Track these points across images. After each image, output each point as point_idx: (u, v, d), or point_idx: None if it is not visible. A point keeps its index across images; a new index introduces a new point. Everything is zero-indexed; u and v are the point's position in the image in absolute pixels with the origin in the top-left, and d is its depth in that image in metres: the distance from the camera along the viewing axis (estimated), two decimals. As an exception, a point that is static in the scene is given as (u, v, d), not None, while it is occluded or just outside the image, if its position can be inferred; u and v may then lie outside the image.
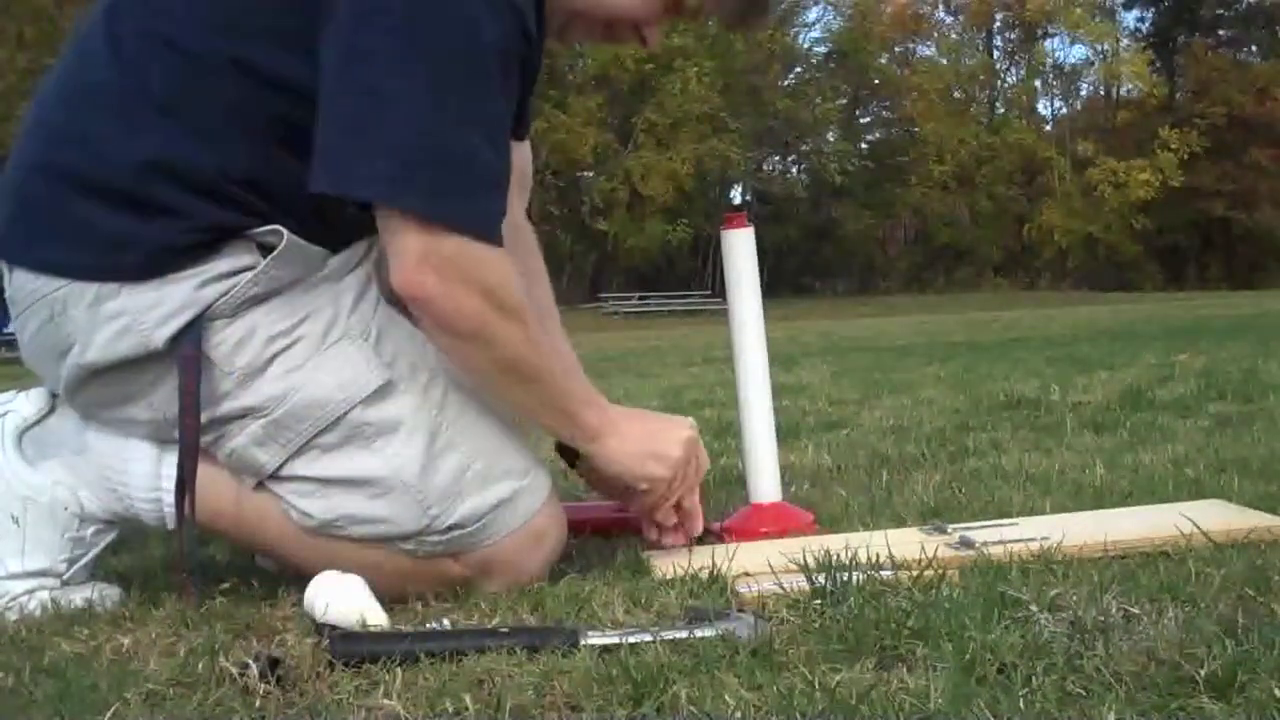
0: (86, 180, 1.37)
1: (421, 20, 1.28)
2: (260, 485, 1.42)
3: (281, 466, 1.40)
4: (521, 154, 1.71)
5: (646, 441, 1.51)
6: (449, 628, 1.24)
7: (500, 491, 1.42)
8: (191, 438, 1.37)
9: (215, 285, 1.37)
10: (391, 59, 1.28)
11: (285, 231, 1.37)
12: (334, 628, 1.24)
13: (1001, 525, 1.61)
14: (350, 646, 1.16)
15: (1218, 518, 1.56)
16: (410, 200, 1.30)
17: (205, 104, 1.35)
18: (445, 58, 1.29)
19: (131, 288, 1.36)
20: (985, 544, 1.48)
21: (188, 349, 1.36)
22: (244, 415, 1.39)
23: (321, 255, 1.42)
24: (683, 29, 32.02)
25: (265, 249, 1.38)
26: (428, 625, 1.27)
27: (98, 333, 1.37)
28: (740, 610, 1.22)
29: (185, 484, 1.38)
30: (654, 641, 1.13)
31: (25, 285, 1.41)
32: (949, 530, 1.58)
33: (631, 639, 1.14)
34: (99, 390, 1.42)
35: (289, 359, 1.38)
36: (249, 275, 1.37)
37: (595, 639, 1.15)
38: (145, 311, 1.36)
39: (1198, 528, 1.46)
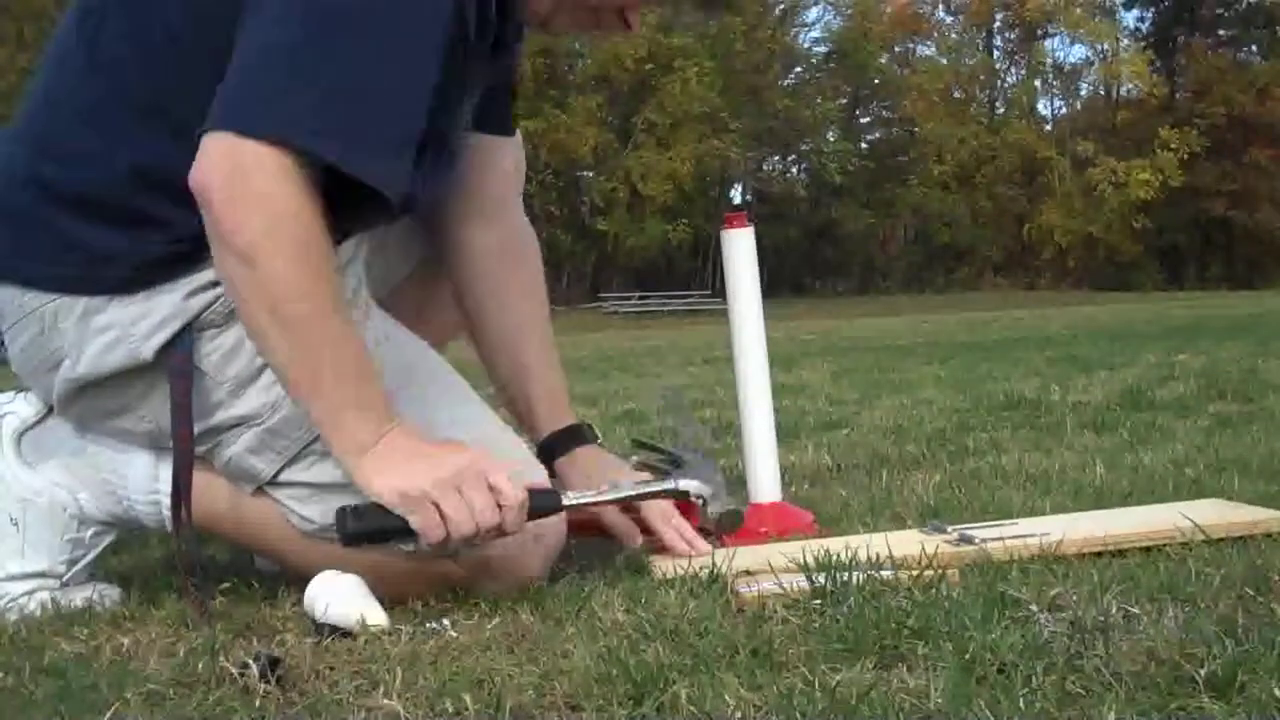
0: (69, 195, 1.37)
1: None
2: (259, 491, 1.42)
3: (278, 473, 1.40)
4: (513, 150, 1.69)
5: (403, 467, 1.30)
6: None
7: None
8: (186, 448, 1.37)
9: (202, 295, 1.37)
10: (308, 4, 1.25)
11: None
12: (334, 627, 1.24)
13: (1001, 525, 1.61)
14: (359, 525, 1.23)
15: (1217, 515, 1.56)
16: (237, 109, 1.24)
17: (183, 105, 1.32)
18: (367, 8, 1.25)
19: (120, 300, 1.36)
20: (985, 541, 1.48)
21: (178, 360, 1.35)
22: (238, 424, 1.39)
23: None
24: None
25: None
26: (428, 624, 1.27)
27: (88, 346, 1.37)
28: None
29: (181, 495, 1.38)
30: (659, 632, 1.13)
31: (13, 300, 1.41)
32: (949, 530, 1.58)
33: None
34: (91, 403, 1.42)
35: None
36: None
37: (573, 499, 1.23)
38: (134, 323, 1.36)
39: (1196, 525, 1.46)
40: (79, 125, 1.38)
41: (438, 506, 1.28)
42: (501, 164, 1.68)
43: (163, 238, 1.35)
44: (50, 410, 1.49)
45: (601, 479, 1.54)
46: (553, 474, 1.57)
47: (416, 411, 1.39)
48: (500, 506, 1.30)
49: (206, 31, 1.31)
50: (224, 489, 1.43)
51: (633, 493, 1.42)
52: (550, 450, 1.64)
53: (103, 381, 1.39)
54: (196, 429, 1.37)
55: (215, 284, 1.36)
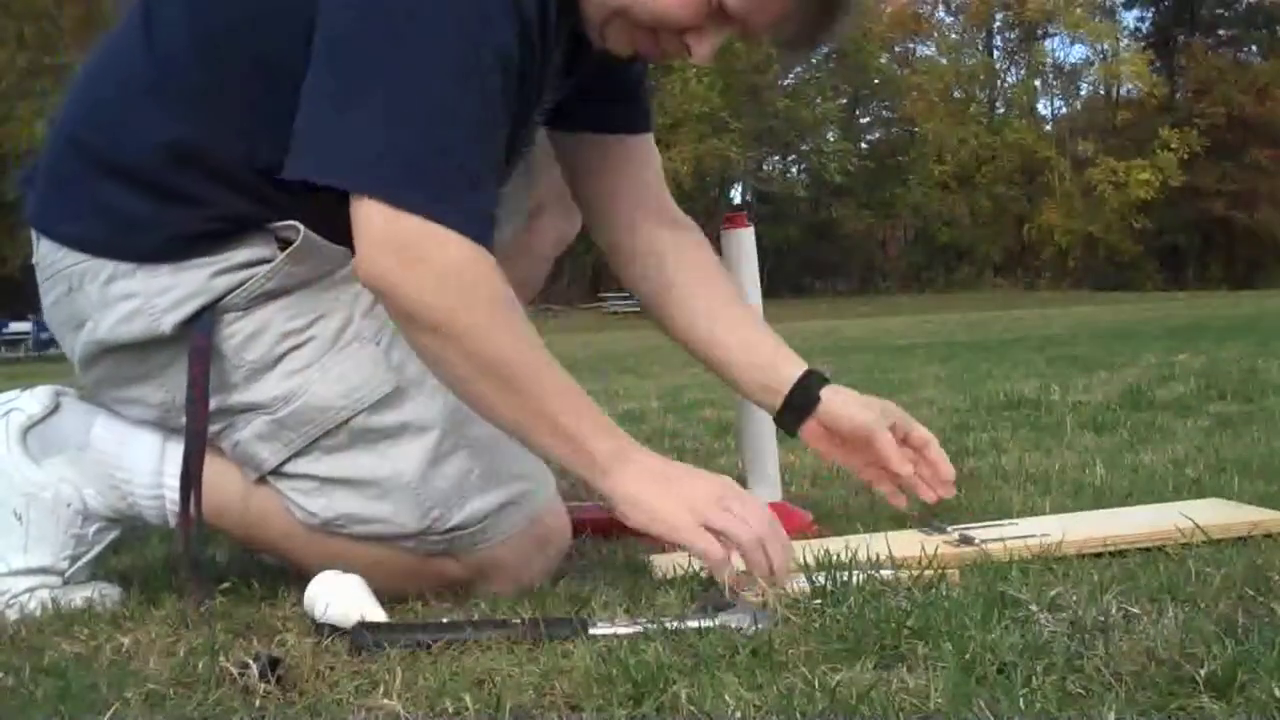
0: (113, 161, 1.39)
1: (419, 13, 1.25)
2: (262, 480, 1.42)
3: (283, 464, 1.40)
4: (645, 149, 1.66)
5: (675, 478, 1.32)
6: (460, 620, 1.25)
7: (504, 494, 1.42)
8: (200, 427, 1.38)
9: (230, 275, 1.38)
10: (377, 47, 1.25)
11: (302, 227, 1.37)
12: (334, 627, 1.24)
13: (1001, 525, 1.61)
14: (368, 636, 1.18)
15: (1217, 515, 1.56)
16: (375, 185, 1.25)
17: (233, 95, 1.35)
18: (435, 51, 1.25)
19: (147, 270, 1.38)
20: (985, 541, 1.48)
21: (199, 339, 1.37)
22: (249, 409, 1.39)
23: (342, 254, 1.41)
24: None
25: (284, 243, 1.39)
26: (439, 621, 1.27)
27: (109, 312, 1.39)
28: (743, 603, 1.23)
29: (192, 473, 1.39)
30: (660, 632, 1.13)
31: (48, 256, 1.44)
32: (949, 530, 1.58)
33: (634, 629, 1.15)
34: (112, 367, 1.43)
35: (298, 358, 1.39)
36: (264, 269, 1.38)
37: (603, 629, 1.17)
38: (157, 295, 1.37)
39: (1197, 525, 1.46)
40: (129, 99, 1.39)
41: (709, 528, 1.28)
42: (644, 159, 1.66)
43: (196, 214, 1.36)
44: (56, 407, 1.50)
45: (871, 405, 1.56)
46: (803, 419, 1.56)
47: (426, 409, 1.39)
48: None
49: (262, 26, 1.32)
50: (231, 480, 1.43)
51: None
52: (803, 403, 1.58)
53: (125, 348, 1.40)
54: (211, 406, 1.38)
55: (243, 266, 1.38)
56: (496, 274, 1.28)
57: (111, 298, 1.39)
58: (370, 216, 1.25)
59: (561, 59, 1.44)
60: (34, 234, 1.47)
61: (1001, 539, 1.49)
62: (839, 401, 1.56)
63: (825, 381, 1.58)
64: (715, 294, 1.63)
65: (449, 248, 1.25)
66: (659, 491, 1.30)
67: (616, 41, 1.40)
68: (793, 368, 1.58)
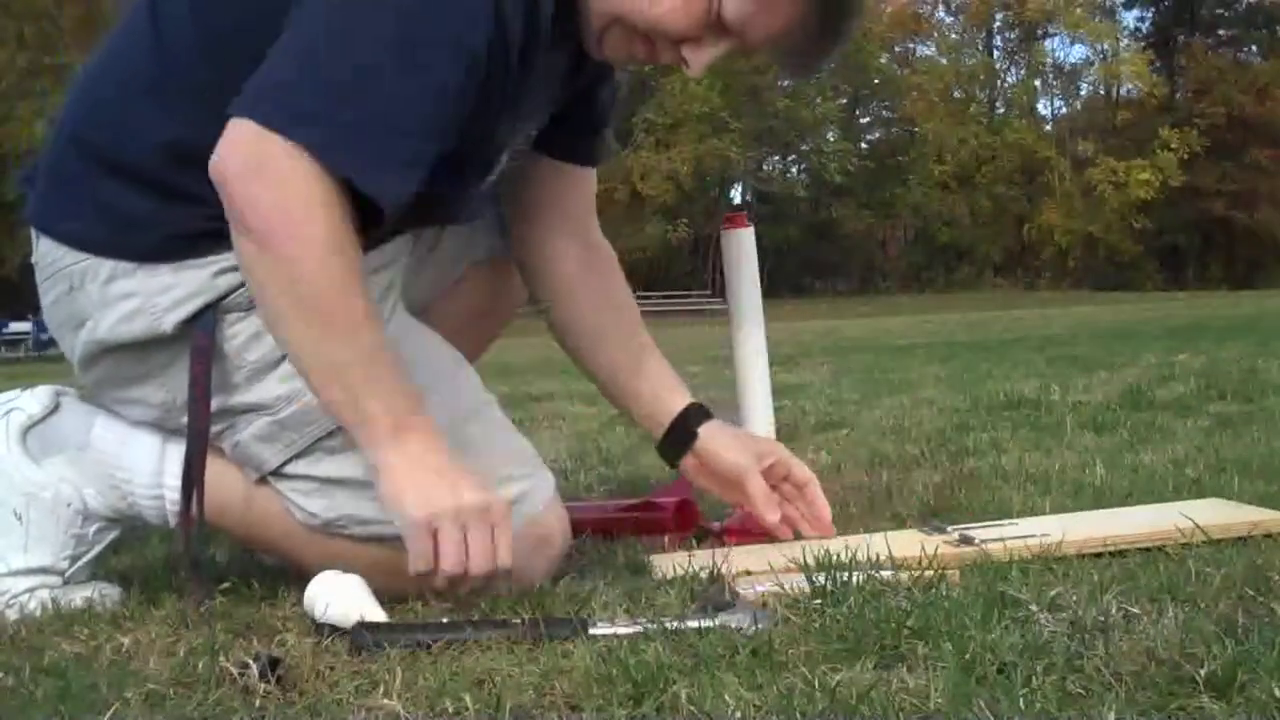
0: (114, 160, 1.39)
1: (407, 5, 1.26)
2: (263, 480, 1.42)
3: (284, 465, 1.40)
4: (592, 179, 1.69)
5: (424, 483, 1.27)
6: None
7: (504, 494, 1.42)
8: (201, 427, 1.38)
9: (231, 275, 1.37)
10: (337, 14, 1.26)
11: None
12: (334, 627, 1.24)
13: (1001, 525, 1.61)
14: (368, 637, 1.18)
15: (1217, 515, 1.56)
16: (257, 109, 1.24)
17: (236, 94, 1.33)
18: (384, 20, 1.25)
19: (147, 269, 1.38)
20: (985, 541, 1.48)
21: (201, 338, 1.37)
22: (251, 410, 1.39)
23: None
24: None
25: None
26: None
27: (110, 311, 1.39)
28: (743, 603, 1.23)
29: (194, 473, 1.39)
30: (660, 632, 1.13)
31: (48, 255, 1.44)
32: (949, 530, 1.58)
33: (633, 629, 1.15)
34: (112, 367, 1.43)
35: None
36: None
37: (603, 629, 1.17)
38: (158, 294, 1.38)
39: (1197, 526, 1.46)
40: (131, 98, 1.39)
41: (436, 537, 1.27)
42: (582, 189, 1.68)
43: (198, 213, 1.36)
44: (56, 407, 1.50)
45: (748, 446, 1.59)
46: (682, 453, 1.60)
47: (440, 405, 1.39)
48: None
49: (268, 26, 1.31)
50: (234, 480, 1.43)
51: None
52: (681, 438, 1.62)
53: (125, 348, 1.40)
54: (212, 406, 1.38)
55: None
56: (340, 220, 1.25)
57: (112, 297, 1.39)
58: (240, 127, 1.24)
59: (565, 68, 1.45)
60: (34, 233, 1.46)
61: (1001, 539, 1.49)
62: (715, 440, 1.61)
63: (707, 417, 1.63)
64: (612, 320, 1.67)
65: (300, 175, 1.23)
66: (417, 479, 1.27)
67: (614, 50, 1.40)
68: (676, 400, 1.63)
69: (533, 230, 1.67)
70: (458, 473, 1.30)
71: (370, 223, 1.32)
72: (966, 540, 1.50)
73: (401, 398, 1.30)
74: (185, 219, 1.37)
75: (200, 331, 1.37)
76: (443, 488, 1.28)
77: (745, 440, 1.63)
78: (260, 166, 1.23)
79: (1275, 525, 1.51)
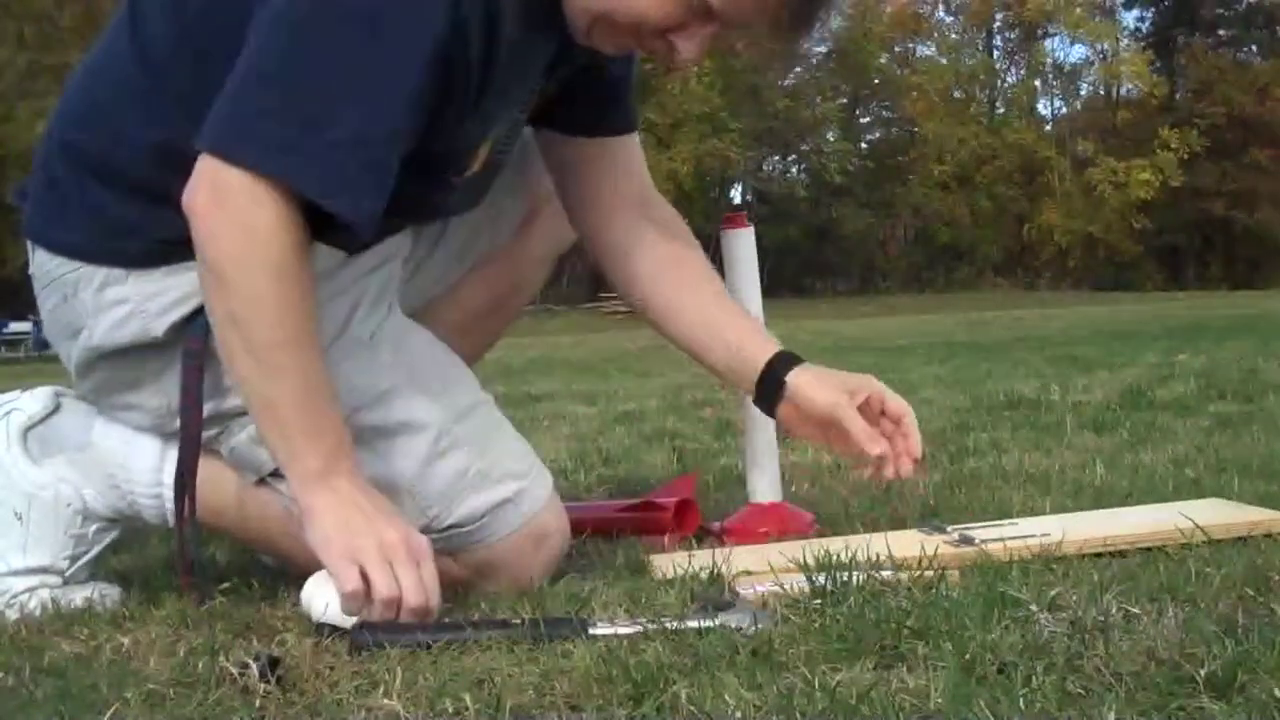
0: (101, 165, 1.39)
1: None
2: (261, 481, 1.42)
3: None
4: (626, 150, 1.64)
5: (347, 518, 1.28)
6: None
7: (501, 492, 1.42)
8: (193, 432, 1.38)
9: None
10: (290, 29, 1.24)
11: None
12: (333, 627, 1.24)
13: (1001, 525, 1.61)
14: (368, 636, 1.18)
15: (1217, 515, 1.56)
16: (216, 141, 1.24)
17: (214, 97, 1.33)
18: (336, 32, 1.24)
19: (138, 276, 1.38)
20: (985, 541, 1.48)
21: (192, 344, 1.36)
22: (245, 414, 1.39)
23: (337, 258, 1.41)
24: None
25: None
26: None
27: (103, 317, 1.39)
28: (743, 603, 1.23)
29: (186, 478, 1.39)
30: (660, 632, 1.13)
31: (44, 265, 1.44)
32: (948, 530, 1.58)
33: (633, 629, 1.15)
34: (107, 374, 1.43)
35: None
36: None
37: (603, 629, 1.17)
38: (148, 300, 1.38)
39: (1197, 526, 1.46)
40: (118, 102, 1.39)
41: (364, 572, 1.25)
42: (626, 158, 1.64)
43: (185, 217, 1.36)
44: (57, 407, 1.50)
45: (839, 383, 1.51)
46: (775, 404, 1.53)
47: (422, 408, 1.40)
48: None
49: (243, 35, 1.30)
50: (229, 482, 1.43)
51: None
52: (772, 389, 1.55)
53: (120, 354, 1.40)
54: (205, 412, 1.38)
55: None
56: (293, 254, 1.25)
57: (105, 303, 1.39)
58: (205, 161, 1.24)
59: (548, 57, 1.44)
60: (29, 245, 1.46)
61: (1001, 539, 1.49)
62: (805, 384, 1.52)
63: (795, 362, 1.54)
64: (689, 282, 1.60)
65: (258, 205, 1.23)
66: (341, 518, 1.27)
67: (602, 42, 1.39)
68: (762, 351, 1.55)
69: (594, 214, 1.64)
70: (382, 513, 1.29)
71: (345, 239, 1.32)
72: (966, 540, 1.50)
73: (332, 440, 1.29)
74: (174, 223, 1.35)
75: (193, 338, 1.37)
76: (365, 526, 1.27)
77: (835, 378, 1.54)
78: (220, 201, 1.24)
79: (1275, 525, 1.51)
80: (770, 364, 1.53)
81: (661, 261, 1.60)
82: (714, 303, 1.60)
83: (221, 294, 1.27)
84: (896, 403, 1.51)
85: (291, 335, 1.27)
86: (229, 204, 1.24)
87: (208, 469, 1.40)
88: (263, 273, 1.25)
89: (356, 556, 1.25)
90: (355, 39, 1.24)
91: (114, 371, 1.43)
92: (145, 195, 1.37)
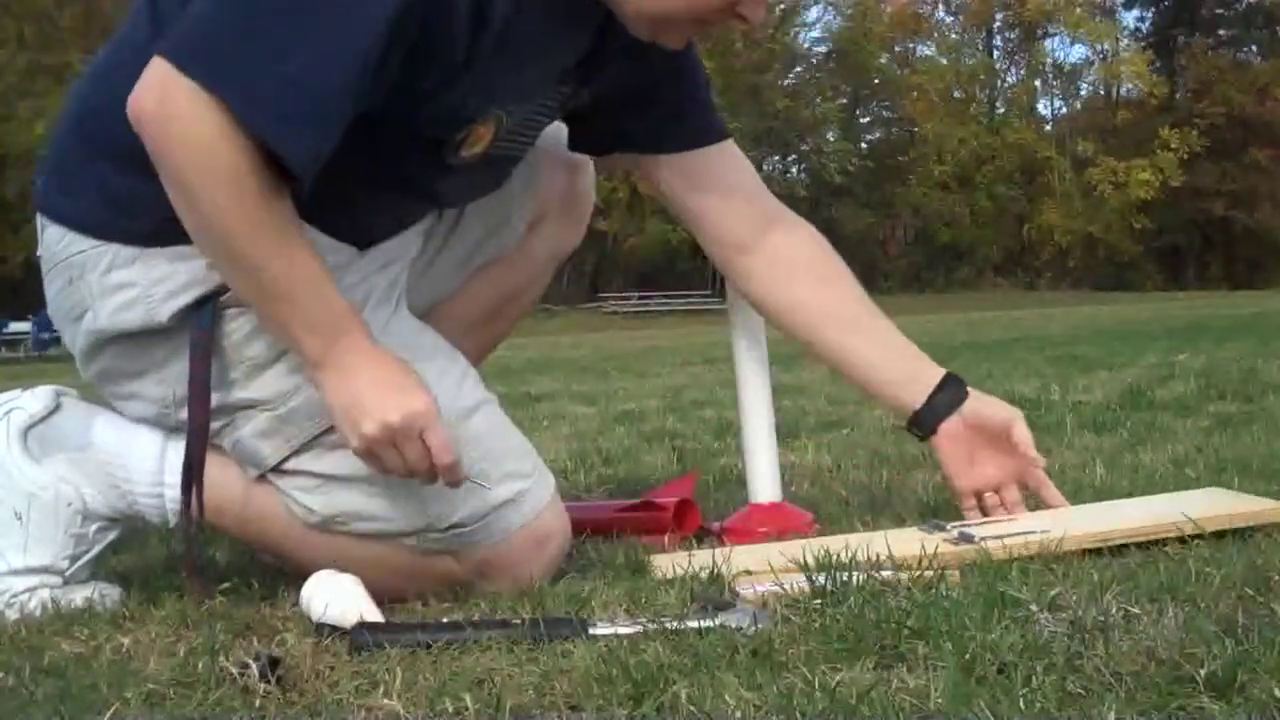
0: (114, 141, 1.38)
1: None
2: (262, 478, 1.43)
3: (284, 461, 1.40)
4: (724, 159, 1.66)
5: (358, 396, 1.32)
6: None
7: (503, 492, 1.42)
8: (201, 422, 1.38)
9: None
10: None
11: (303, 224, 1.37)
12: (333, 627, 1.24)
13: (999, 522, 1.61)
14: (368, 636, 1.18)
15: (1216, 506, 1.56)
16: (174, 53, 1.24)
17: None
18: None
19: (145, 259, 1.38)
20: (984, 539, 1.48)
21: (199, 334, 1.37)
22: (251, 406, 1.39)
23: (348, 252, 1.42)
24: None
25: None
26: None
27: (108, 300, 1.39)
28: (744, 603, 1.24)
29: (194, 472, 1.39)
30: (660, 632, 1.13)
31: (52, 246, 1.45)
32: (948, 528, 1.58)
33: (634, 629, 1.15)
34: (111, 360, 1.44)
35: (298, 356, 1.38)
36: None
37: (603, 629, 1.17)
38: (155, 284, 1.38)
39: (1194, 522, 1.46)
40: (132, 78, 1.38)
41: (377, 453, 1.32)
42: (731, 167, 1.67)
43: None
44: (57, 407, 1.50)
45: (1000, 412, 1.67)
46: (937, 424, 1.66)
47: (439, 401, 1.39)
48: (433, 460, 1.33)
49: None
50: (230, 479, 1.43)
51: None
52: (951, 401, 1.67)
53: (125, 340, 1.41)
54: (211, 402, 1.38)
55: None
56: (246, 156, 1.24)
57: (110, 286, 1.39)
58: (158, 68, 1.24)
59: (581, 51, 1.44)
60: (39, 222, 1.47)
61: (1000, 536, 1.49)
62: (977, 399, 1.67)
63: (958, 401, 1.67)
64: (836, 300, 1.69)
65: (200, 120, 1.23)
66: (344, 405, 1.31)
67: (669, 39, 1.43)
68: (931, 371, 1.68)
69: (715, 230, 1.67)
70: (382, 389, 1.31)
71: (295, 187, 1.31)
72: (966, 538, 1.50)
73: (326, 320, 1.32)
74: None
75: (199, 327, 1.37)
76: (368, 413, 1.30)
77: (991, 399, 1.70)
78: (166, 109, 1.24)
79: (1275, 515, 1.51)
80: (943, 381, 1.67)
81: (807, 280, 1.69)
82: (871, 324, 1.70)
83: (184, 200, 1.28)
84: (1027, 444, 1.66)
85: (257, 238, 1.28)
86: (174, 113, 1.23)
87: (211, 466, 1.41)
88: (215, 182, 1.25)
89: (371, 451, 1.31)
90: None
91: (118, 359, 1.43)
92: (151, 172, 1.37)
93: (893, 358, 1.69)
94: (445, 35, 1.29)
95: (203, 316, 1.37)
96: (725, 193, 1.65)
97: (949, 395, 1.66)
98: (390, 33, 1.24)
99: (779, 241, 1.67)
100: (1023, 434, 1.64)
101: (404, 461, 1.32)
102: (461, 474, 1.34)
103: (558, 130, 1.67)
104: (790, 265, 1.68)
